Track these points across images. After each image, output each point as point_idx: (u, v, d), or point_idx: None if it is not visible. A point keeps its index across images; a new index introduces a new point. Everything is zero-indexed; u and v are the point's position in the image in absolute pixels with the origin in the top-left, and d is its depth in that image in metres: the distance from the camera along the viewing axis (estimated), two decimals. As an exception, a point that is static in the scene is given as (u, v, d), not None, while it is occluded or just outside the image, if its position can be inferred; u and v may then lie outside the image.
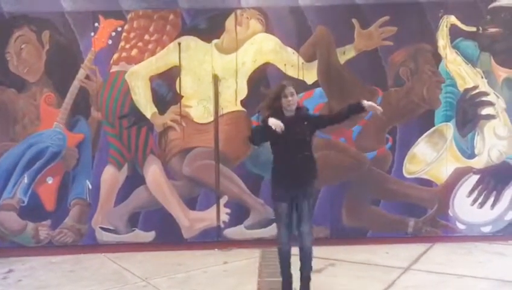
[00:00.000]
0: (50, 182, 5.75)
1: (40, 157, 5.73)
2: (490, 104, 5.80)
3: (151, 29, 5.72)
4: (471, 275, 4.82)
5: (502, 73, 5.80)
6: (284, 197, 4.17)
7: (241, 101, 5.75)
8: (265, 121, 4.07)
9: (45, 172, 5.74)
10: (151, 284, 4.84)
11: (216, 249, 5.78)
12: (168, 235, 5.82)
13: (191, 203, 5.83)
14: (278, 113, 4.10)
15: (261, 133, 4.13)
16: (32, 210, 5.73)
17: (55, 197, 5.76)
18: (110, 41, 5.69)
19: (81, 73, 5.69)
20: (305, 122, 4.17)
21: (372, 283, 4.67)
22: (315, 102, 5.69)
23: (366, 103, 4.13)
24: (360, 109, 4.17)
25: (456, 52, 5.75)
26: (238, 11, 5.69)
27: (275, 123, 3.93)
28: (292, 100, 4.11)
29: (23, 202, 5.74)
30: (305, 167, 4.16)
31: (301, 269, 4.24)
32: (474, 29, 5.72)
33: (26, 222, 5.75)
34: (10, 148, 5.72)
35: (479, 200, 5.85)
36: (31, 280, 5.06)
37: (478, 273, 4.88)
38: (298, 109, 4.23)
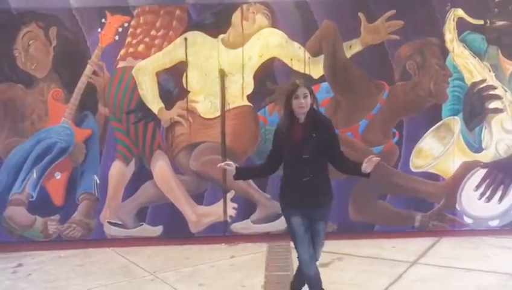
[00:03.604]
0: (58, 177, 5.79)
1: (48, 153, 5.77)
2: (498, 97, 5.77)
3: (157, 24, 5.73)
4: (478, 269, 4.82)
5: (510, 66, 5.76)
6: (293, 213, 3.67)
7: (248, 96, 5.75)
8: (276, 142, 3.74)
9: (53, 167, 5.78)
10: (159, 278, 4.87)
11: (223, 244, 5.80)
12: (175, 230, 5.85)
13: (198, 198, 5.85)
14: (291, 117, 3.60)
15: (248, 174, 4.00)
16: (41, 205, 5.78)
17: (63, 192, 5.80)
18: (117, 37, 5.71)
19: (89, 69, 5.72)
20: (314, 135, 3.55)
21: (379, 277, 4.68)
22: (321, 96, 5.68)
23: (369, 168, 3.57)
24: (361, 174, 3.62)
25: (464, 46, 5.72)
26: (244, 6, 5.69)
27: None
28: (305, 103, 3.52)
29: (32, 197, 5.79)
30: (313, 190, 3.60)
31: None
32: (481, 22, 5.68)
33: (35, 216, 5.80)
34: (19, 144, 5.76)
35: (487, 194, 5.83)
36: (41, 274, 5.11)
37: (485, 267, 4.88)
38: (312, 115, 3.61)
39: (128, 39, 5.72)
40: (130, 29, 5.72)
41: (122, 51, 5.72)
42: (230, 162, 3.79)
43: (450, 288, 4.45)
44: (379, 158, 3.58)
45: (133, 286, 4.72)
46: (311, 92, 3.61)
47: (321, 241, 3.73)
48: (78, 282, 4.85)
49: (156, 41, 5.74)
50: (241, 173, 3.85)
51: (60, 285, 4.79)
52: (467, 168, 5.81)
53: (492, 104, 5.77)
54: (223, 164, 3.80)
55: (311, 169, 3.58)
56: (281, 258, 5.25)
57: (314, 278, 3.72)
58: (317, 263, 3.78)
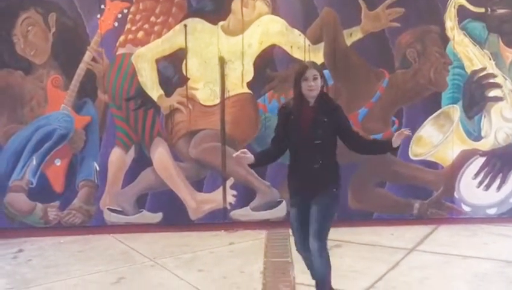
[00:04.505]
0: (58, 163, 5.80)
1: (48, 140, 5.77)
2: (498, 86, 5.77)
3: (157, 11, 5.70)
4: (475, 256, 4.85)
5: (510, 54, 5.75)
6: (295, 202, 3.63)
7: (248, 83, 5.74)
8: (284, 108, 3.57)
9: (53, 154, 5.78)
10: (158, 264, 4.91)
11: (222, 231, 5.83)
12: (175, 217, 5.87)
13: (198, 185, 5.87)
14: (300, 100, 3.46)
15: (262, 161, 3.62)
16: (41, 191, 5.79)
17: (63, 178, 5.81)
18: (116, 24, 5.68)
19: (88, 55, 5.70)
20: (325, 119, 3.43)
21: (377, 264, 4.71)
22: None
23: (396, 142, 3.45)
24: (391, 148, 3.51)
25: (464, 34, 5.70)
26: (244, -7, 5.66)
27: (240, 159, 3.47)
28: (314, 85, 3.39)
29: (32, 183, 5.80)
30: (319, 177, 3.47)
31: None
32: (482, 10, 5.66)
33: (35, 203, 5.81)
34: (18, 131, 5.76)
35: (485, 183, 5.85)
36: (41, 260, 5.14)
37: (482, 254, 4.91)
38: (322, 98, 3.48)
39: (128, 26, 5.70)
40: (130, 16, 5.69)
41: (122, 38, 5.70)
42: (246, 150, 3.55)
43: (447, 275, 4.48)
44: (409, 132, 3.51)
45: (133, 272, 4.75)
46: (322, 75, 3.47)
47: (317, 228, 3.44)
48: (78, 267, 4.88)
49: (156, 28, 5.72)
50: (257, 161, 3.57)
51: (60, 270, 4.82)
52: (465, 157, 5.83)
53: (492, 93, 5.77)
54: (239, 152, 3.51)
55: (321, 155, 3.46)
56: (280, 245, 5.28)
57: (318, 273, 3.59)
58: (320, 260, 3.49)
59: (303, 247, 3.64)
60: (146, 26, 5.72)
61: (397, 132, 3.49)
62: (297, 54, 5.69)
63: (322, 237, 3.48)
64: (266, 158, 3.69)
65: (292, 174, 3.61)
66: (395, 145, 3.45)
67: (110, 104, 5.78)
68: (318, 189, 3.50)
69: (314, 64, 3.59)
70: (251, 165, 3.60)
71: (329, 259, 3.56)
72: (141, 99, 5.76)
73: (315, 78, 3.41)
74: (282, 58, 5.70)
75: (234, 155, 3.50)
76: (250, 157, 3.45)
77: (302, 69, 3.46)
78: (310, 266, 3.71)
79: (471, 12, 5.67)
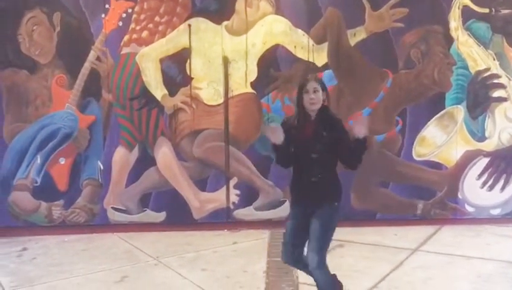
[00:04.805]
0: (62, 162, 5.82)
1: (52, 139, 5.79)
2: (502, 86, 5.77)
3: (161, 10, 5.72)
4: (478, 257, 4.85)
5: (515, 55, 5.75)
6: (294, 215, 3.57)
7: (251, 83, 5.75)
8: (286, 124, 3.47)
9: (57, 153, 5.80)
10: (162, 263, 4.92)
11: (225, 230, 5.84)
12: (178, 216, 5.89)
13: (201, 184, 5.88)
14: (302, 114, 3.43)
15: (284, 152, 3.42)
16: (45, 190, 5.81)
17: (67, 177, 5.83)
18: (120, 23, 5.70)
19: (92, 55, 5.72)
20: (324, 134, 3.38)
21: (380, 264, 4.71)
22: (325, 84, 5.68)
23: (359, 131, 3.29)
24: (361, 142, 3.32)
25: (468, 34, 5.70)
26: (248, -7, 5.67)
27: (273, 132, 3.33)
28: (315, 98, 3.36)
29: (36, 182, 5.82)
30: (319, 190, 3.43)
31: None
32: (486, 10, 5.66)
33: (39, 201, 5.83)
34: (23, 130, 5.78)
35: (489, 183, 5.84)
36: (45, 258, 5.16)
37: (486, 255, 4.91)
38: (323, 112, 3.44)
39: (132, 25, 5.71)
40: (134, 15, 5.71)
41: (126, 37, 5.71)
42: (280, 127, 3.37)
43: (450, 275, 4.48)
44: (363, 117, 3.36)
45: (137, 271, 4.77)
46: (324, 88, 3.43)
47: (316, 244, 3.40)
48: (82, 266, 4.90)
49: (160, 28, 5.74)
50: (282, 146, 3.41)
51: (64, 269, 4.84)
52: (469, 157, 5.82)
53: (496, 93, 5.77)
54: (274, 126, 3.38)
55: (320, 169, 3.41)
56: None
57: (321, 285, 3.52)
58: (320, 276, 3.45)
59: (292, 260, 3.58)
60: (150, 25, 5.74)
61: (354, 122, 3.40)
62: (300, 54, 5.70)
63: (323, 252, 3.44)
64: (286, 151, 3.46)
65: (293, 186, 3.59)
66: (360, 135, 3.30)
67: (114, 104, 5.80)
68: (318, 202, 3.44)
69: (316, 77, 3.54)
70: (275, 147, 3.43)
71: (328, 268, 3.51)
72: (145, 99, 5.78)
73: (315, 91, 3.37)
74: (286, 58, 5.71)
75: (271, 126, 3.39)
76: (281, 136, 3.34)
77: (303, 81, 3.46)
78: (307, 272, 3.63)
79: (476, 13, 5.67)
